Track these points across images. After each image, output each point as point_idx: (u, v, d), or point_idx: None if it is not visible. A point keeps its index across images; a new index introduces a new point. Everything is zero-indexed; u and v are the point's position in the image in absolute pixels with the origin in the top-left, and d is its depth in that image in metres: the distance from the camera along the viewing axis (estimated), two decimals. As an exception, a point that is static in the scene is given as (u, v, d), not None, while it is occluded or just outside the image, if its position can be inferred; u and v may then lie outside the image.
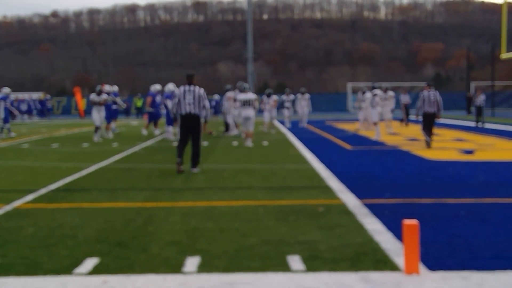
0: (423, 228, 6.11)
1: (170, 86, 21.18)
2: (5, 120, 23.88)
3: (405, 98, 29.51)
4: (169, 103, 20.35)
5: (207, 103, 11.76)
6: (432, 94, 16.59)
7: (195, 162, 11.65)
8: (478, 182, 10.03)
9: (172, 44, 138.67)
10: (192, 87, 11.68)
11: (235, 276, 4.96)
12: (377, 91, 21.26)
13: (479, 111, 27.70)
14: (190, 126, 11.56)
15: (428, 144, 16.44)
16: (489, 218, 7.10)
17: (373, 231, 6.43)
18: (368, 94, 21.51)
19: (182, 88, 11.72)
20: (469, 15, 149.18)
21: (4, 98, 24.17)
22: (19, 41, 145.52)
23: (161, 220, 7.16)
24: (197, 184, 10.02)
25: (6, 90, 24.83)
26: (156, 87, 23.30)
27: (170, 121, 20.74)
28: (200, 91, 11.67)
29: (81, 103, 46.31)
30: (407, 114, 28.77)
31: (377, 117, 20.13)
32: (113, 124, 24.81)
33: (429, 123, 16.66)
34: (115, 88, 26.14)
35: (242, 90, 18.98)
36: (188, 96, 11.53)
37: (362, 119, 24.57)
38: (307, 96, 29.16)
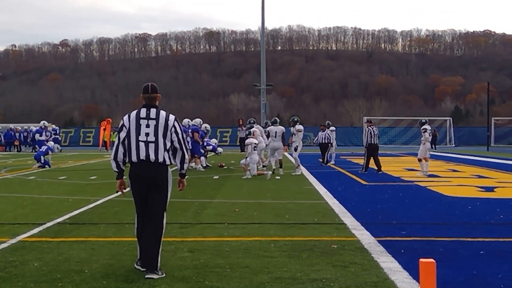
0: (440, 267, 5.90)
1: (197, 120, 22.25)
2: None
3: None
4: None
5: (184, 143, 6.54)
6: (375, 129, 20.28)
7: (150, 259, 6.09)
8: (498, 220, 9.82)
9: (183, 75, 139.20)
10: (153, 112, 6.38)
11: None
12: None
13: None
14: (147, 183, 6.40)
15: (366, 169, 19.88)
16: (510, 258, 6.95)
17: (389, 270, 6.29)
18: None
19: (133, 114, 6.42)
20: (489, 48, 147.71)
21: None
22: (27, 70, 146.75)
23: (169, 255, 7.00)
24: (207, 218, 9.86)
25: None
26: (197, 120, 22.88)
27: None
28: (169, 119, 6.38)
29: (103, 135, 46.21)
30: None
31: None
32: None
33: (374, 154, 19.99)
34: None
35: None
36: (145, 129, 6.35)
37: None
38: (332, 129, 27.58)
